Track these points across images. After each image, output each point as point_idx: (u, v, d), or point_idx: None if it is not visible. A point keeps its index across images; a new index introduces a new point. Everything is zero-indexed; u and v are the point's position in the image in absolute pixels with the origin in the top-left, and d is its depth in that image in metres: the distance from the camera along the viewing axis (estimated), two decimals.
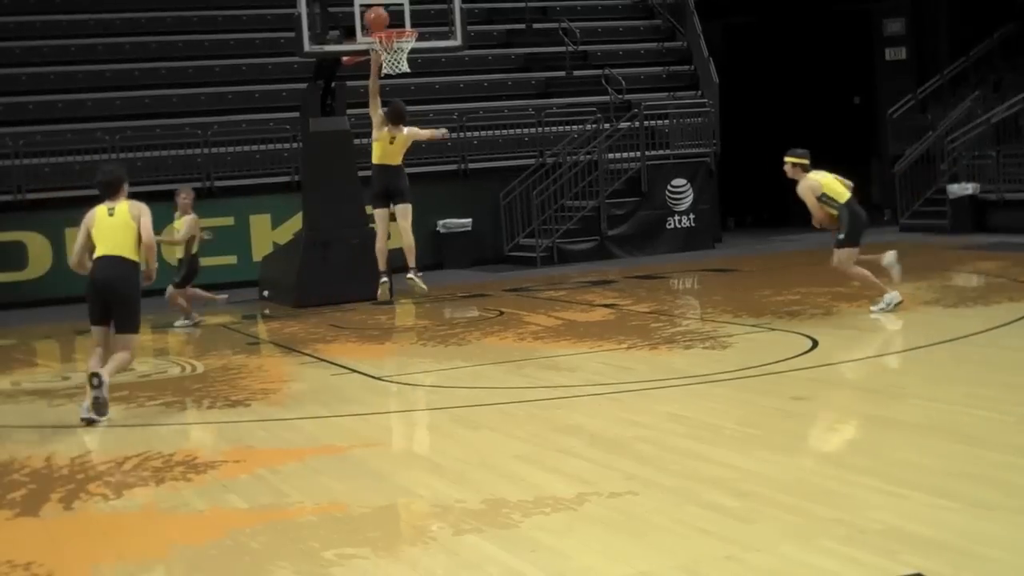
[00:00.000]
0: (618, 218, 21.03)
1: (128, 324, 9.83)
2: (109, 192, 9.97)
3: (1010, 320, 11.66)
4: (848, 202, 12.54)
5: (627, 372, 10.37)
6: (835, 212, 12.56)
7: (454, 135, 21.35)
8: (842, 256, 12.55)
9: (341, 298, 16.05)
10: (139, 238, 9.76)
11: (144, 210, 9.84)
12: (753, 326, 12.36)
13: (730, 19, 26.27)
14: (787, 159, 12.79)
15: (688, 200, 21.46)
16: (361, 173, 18.05)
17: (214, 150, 20.01)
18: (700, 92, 23.35)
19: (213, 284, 18.92)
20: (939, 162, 22.00)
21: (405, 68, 15.63)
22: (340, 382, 11.21)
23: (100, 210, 9.93)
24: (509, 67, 23.68)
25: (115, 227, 9.79)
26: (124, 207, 9.86)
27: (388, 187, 13.76)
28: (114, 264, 9.74)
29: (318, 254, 16.40)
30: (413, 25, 15.58)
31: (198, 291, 15.56)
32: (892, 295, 12.47)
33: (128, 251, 9.75)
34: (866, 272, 12.63)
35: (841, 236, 12.49)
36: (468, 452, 7.90)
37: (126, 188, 10.06)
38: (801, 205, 12.97)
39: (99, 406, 9.48)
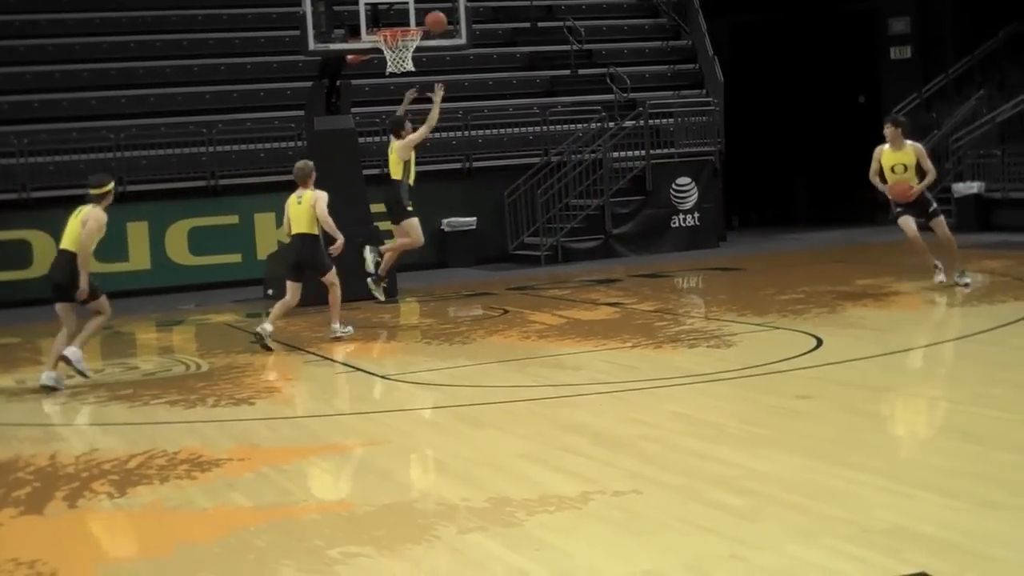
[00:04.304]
0: (623, 217, 21.01)
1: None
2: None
3: (1016, 319, 11.64)
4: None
5: (631, 371, 10.37)
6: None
7: (460, 133, 21.37)
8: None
9: (346, 296, 16.01)
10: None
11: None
12: (757, 325, 12.35)
13: (735, 18, 26.27)
14: None
15: (693, 199, 21.43)
16: (366, 172, 18.10)
17: (219, 148, 20.02)
18: (705, 91, 23.33)
19: (217, 283, 19.04)
20: (944, 161, 21.95)
21: (409, 67, 15.67)
22: (344, 380, 11.22)
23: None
24: (514, 66, 23.67)
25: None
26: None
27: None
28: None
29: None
30: (418, 23, 15.61)
31: None
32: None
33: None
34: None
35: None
36: (472, 451, 7.90)
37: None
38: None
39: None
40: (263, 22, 23.09)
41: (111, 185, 11.44)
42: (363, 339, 13.38)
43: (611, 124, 21.52)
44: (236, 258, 19.69)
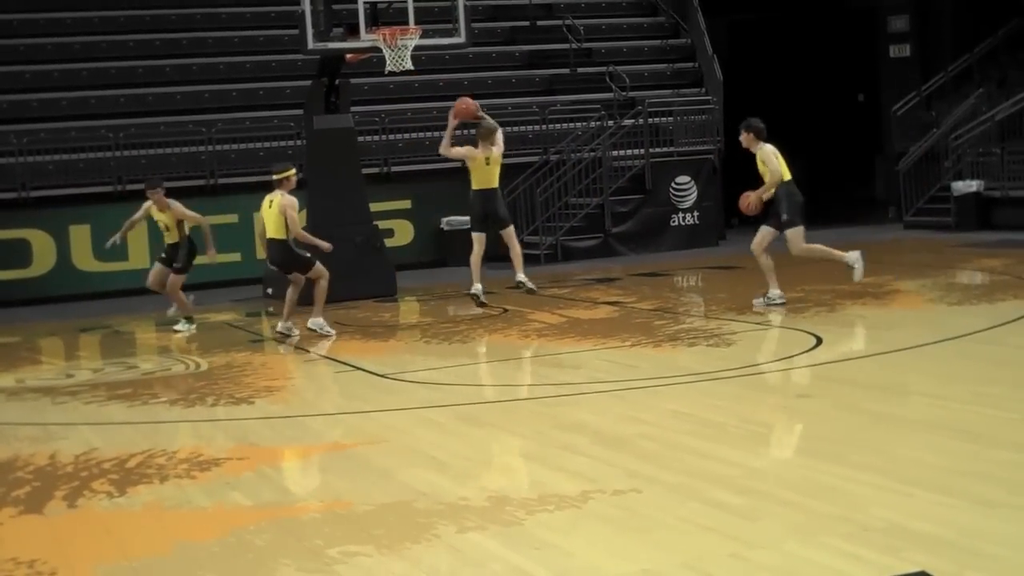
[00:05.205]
0: (622, 215, 21.01)
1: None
2: None
3: (1015, 317, 11.64)
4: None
5: (631, 369, 10.37)
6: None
7: (459, 132, 21.29)
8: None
9: (345, 295, 16.03)
10: None
11: None
12: (757, 323, 12.35)
13: (734, 16, 26.25)
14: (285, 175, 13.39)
15: (692, 197, 21.43)
16: (365, 171, 18.09)
17: (218, 147, 20.02)
18: (704, 89, 23.32)
19: (217, 282, 19.04)
20: (943, 159, 21.96)
21: (408, 65, 15.65)
22: (344, 379, 11.22)
23: None
24: (513, 64, 23.67)
25: None
26: None
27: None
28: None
29: (322, 252, 16.37)
30: (417, 22, 15.60)
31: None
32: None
33: None
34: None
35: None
36: (472, 450, 7.90)
37: None
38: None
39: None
40: (262, 21, 23.08)
41: (292, 170, 13.25)
42: (363, 338, 13.38)
43: (610, 123, 21.51)
44: (235, 257, 19.65)
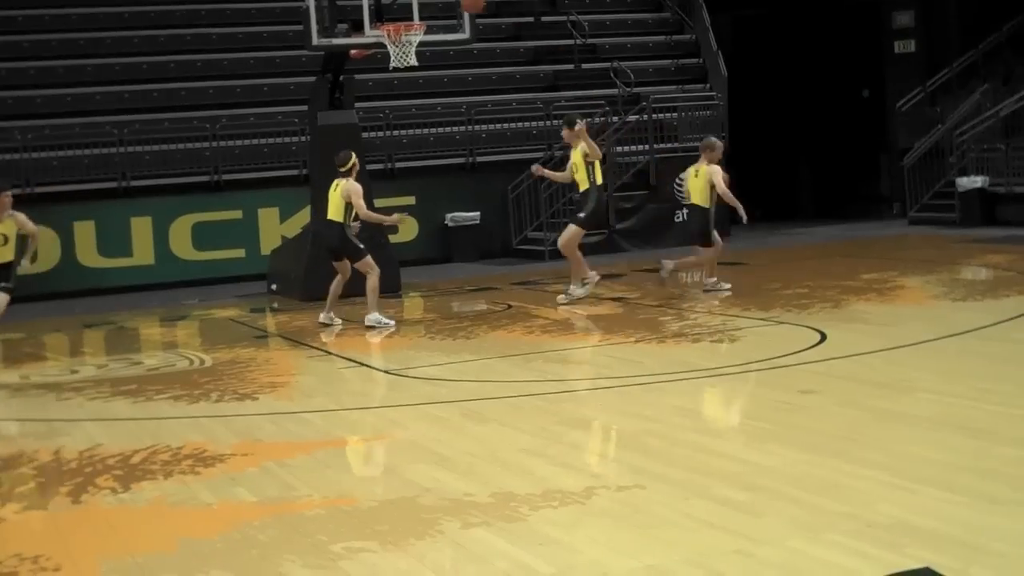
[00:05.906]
0: (626, 211, 21.01)
1: None
2: None
3: (1019, 314, 11.63)
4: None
5: (635, 365, 10.36)
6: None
7: (463, 128, 21.37)
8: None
9: (349, 291, 16.04)
10: None
11: None
12: (761, 319, 12.34)
13: (739, 12, 26.24)
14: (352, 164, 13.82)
15: None
16: (369, 167, 18.09)
17: (222, 143, 20.04)
18: (709, 85, 23.31)
19: (221, 278, 19.05)
20: (948, 155, 21.95)
21: (413, 62, 15.66)
22: (348, 375, 11.22)
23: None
24: (517, 60, 23.67)
25: None
26: None
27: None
28: None
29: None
30: (421, 18, 15.60)
31: None
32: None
33: None
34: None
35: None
36: (476, 446, 7.90)
37: None
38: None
39: None
40: (266, 17, 23.09)
41: (352, 160, 13.60)
42: (366, 334, 13.38)
43: (615, 119, 21.51)
44: (239, 253, 19.70)
